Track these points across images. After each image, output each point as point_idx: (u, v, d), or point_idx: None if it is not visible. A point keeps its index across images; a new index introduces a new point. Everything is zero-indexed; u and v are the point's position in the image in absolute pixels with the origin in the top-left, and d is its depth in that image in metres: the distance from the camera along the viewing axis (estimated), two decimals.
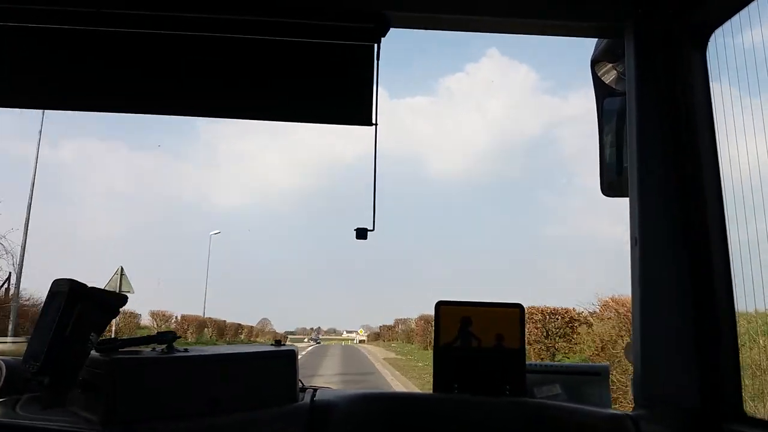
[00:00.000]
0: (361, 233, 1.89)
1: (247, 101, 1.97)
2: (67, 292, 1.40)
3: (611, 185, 2.07)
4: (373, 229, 1.88)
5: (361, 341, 66.20)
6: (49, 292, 1.46)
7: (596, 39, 2.10)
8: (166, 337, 1.58)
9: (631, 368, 1.72)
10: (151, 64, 1.92)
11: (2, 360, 1.67)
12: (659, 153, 1.71)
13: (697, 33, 1.77)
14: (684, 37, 1.78)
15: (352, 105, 1.94)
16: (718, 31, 1.74)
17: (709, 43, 1.77)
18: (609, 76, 2.15)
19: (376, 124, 1.91)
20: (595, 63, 2.16)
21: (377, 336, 60.80)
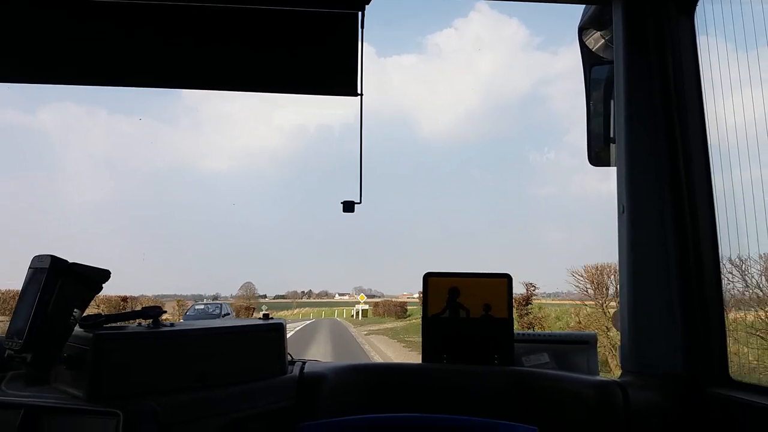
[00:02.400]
0: (348, 206, 1.87)
1: (230, 72, 1.93)
2: (47, 267, 1.37)
3: (598, 155, 2.06)
4: (360, 202, 1.86)
5: (363, 312, 46.55)
6: (29, 267, 1.42)
7: (584, 6, 2.07)
8: (152, 312, 1.56)
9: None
10: (133, 36, 1.87)
11: None
12: (647, 121, 1.70)
13: (685, 1, 1.75)
14: (671, 3, 1.76)
15: (337, 75, 1.90)
16: None
17: (697, 9, 1.75)
18: (596, 44, 2.12)
19: (361, 95, 1.88)
20: (582, 30, 2.13)
21: (381, 309, 44.02)
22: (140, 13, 1.85)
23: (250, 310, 41.99)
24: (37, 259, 1.42)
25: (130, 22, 1.85)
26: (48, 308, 1.35)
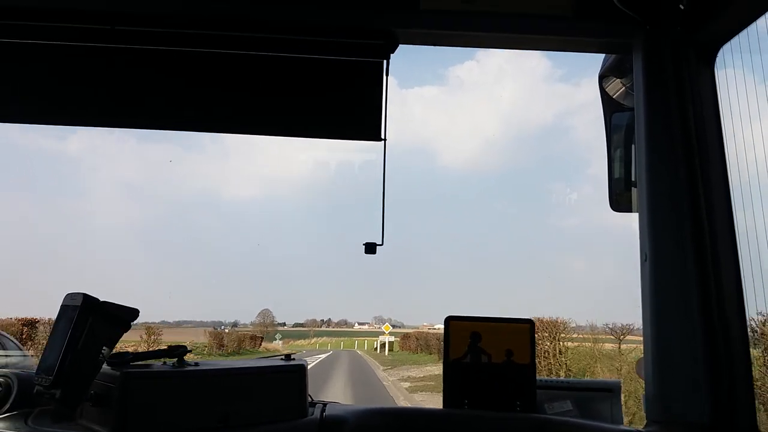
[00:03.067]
0: (370, 248, 1.90)
1: (257, 117, 1.99)
2: (79, 305, 1.41)
3: (620, 200, 2.07)
4: (382, 244, 1.89)
5: (389, 345, 39.38)
6: (61, 305, 1.46)
7: (604, 54, 2.12)
8: (177, 351, 1.58)
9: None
10: (165, 80, 1.95)
11: (14, 373, 1.68)
12: (668, 168, 1.71)
13: (705, 49, 1.78)
14: (692, 52, 1.79)
15: (362, 120, 1.95)
16: (726, 47, 1.75)
17: (717, 59, 1.78)
18: (617, 91, 2.16)
19: (384, 139, 1.92)
20: (602, 78, 2.17)
21: (412, 342, 35.98)
22: (172, 59, 1.93)
23: (256, 339, 38.94)
24: (69, 296, 1.46)
25: (161, 67, 1.93)
26: (78, 345, 1.38)
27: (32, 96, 1.94)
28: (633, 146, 2.01)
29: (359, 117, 1.96)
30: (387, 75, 1.95)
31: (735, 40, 1.72)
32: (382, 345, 42.54)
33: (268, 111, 1.98)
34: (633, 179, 1.96)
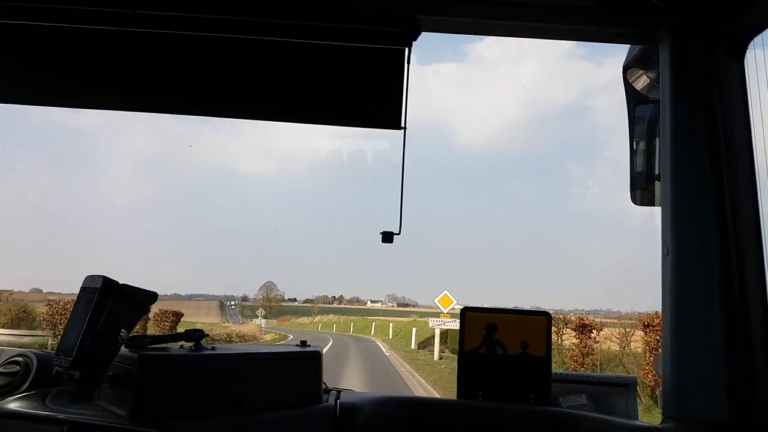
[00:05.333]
0: (387, 237, 1.89)
1: (276, 103, 1.98)
2: (99, 288, 1.42)
3: (641, 193, 2.04)
4: (399, 233, 1.88)
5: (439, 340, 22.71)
6: (81, 287, 1.48)
7: (629, 45, 2.08)
8: (194, 335, 1.59)
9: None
10: (186, 65, 1.94)
11: (33, 353, 1.70)
12: (693, 162, 1.68)
13: (735, 41, 1.74)
14: (721, 45, 1.75)
15: (382, 108, 1.94)
16: (757, 40, 1.71)
17: (747, 52, 1.74)
18: (641, 83, 2.12)
19: (405, 128, 1.90)
20: (627, 69, 2.14)
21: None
22: (192, 44, 1.92)
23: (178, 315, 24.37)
24: (89, 279, 1.47)
25: (181, 51, 1.93)
26: (97, 327, 1.39)
27: (50, 78, 1.94)
28: (657, 139, 1.98)
29: (379, 105, 1.94)
30: (409, 63, 1.93)
31: (766, 33, 1.68)
32: (444, 336, 23.41)
33: (287, 97, 1.97)
34: (656, 173, 1.92)
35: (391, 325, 40.79)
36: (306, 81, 1.95)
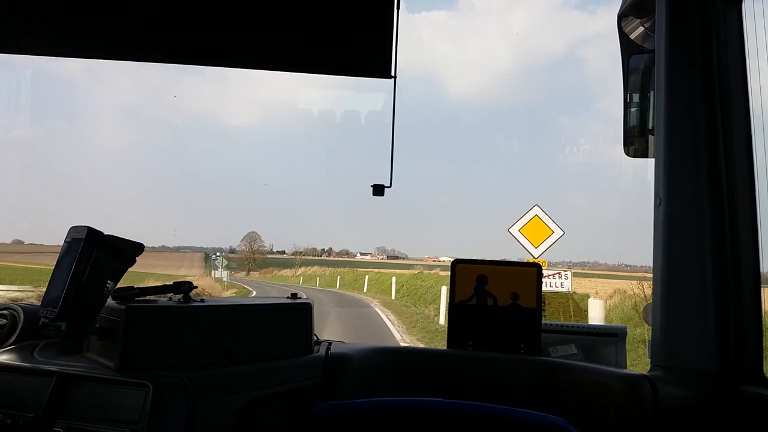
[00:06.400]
0: (378, 189, 1.86)
1: (259, 50, 1.91)
2: (83, 239, 1.39)
3: (635, 145, 2.02)
4: (390, 186, 1.85)
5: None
6: (66, 238, 1.44)
7: None
8: (182, 287, 1.57)
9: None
10: (164, 11, 1.87)
11: (20, 306, 1.67)
12: (688, 113, 1.66)
13: None
14: None
15: (371, 56, 1.88)
16: None
17: (745, 0, 1.70)
18: (636, 33, 2.08)
19: (395, 77, 1.86)
20: (621, 18, 2.08)
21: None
22: None
23: None
24: (74, 230, 1.43)
25: None
26: (83, 278, 1.37)
27: (31, 26, 1.87)
28: (651, 92, 1.95)
29: (369, 53, 1.89)
30: (399, 9, 1.86)
31: None
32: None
33: (275, 45, 1.91)
34: (650, 126, 1.90)
35: (393, 279, 27.34)
36: (293, 28, 1.89)
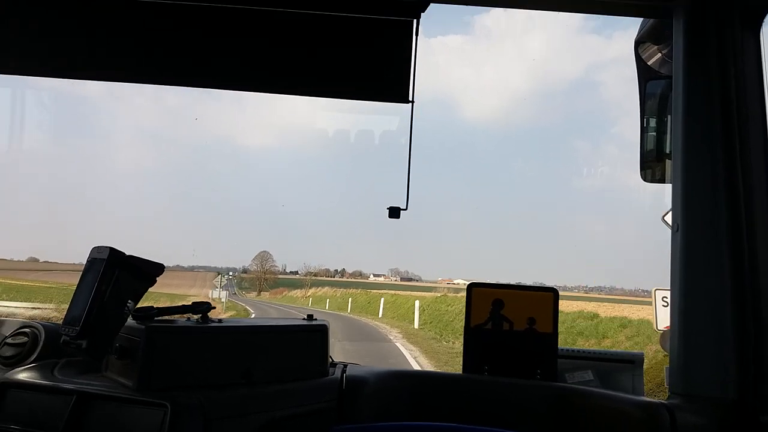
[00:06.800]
0: (394, 212, 1.88)
1: (279, 75, 1.95)
2: (105, 259, 1.41)
3: (651, 170, 2.02)
4: (406, 208, 1.87)
5: None
6: (88, 258, 1.47)
7: (641, 18, 2.04)
8: (201, 308, 1.59)
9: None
10: (186, 36, 1.92)
11: (41, 324, 1.70)
12: (706, 139, 1.66)
13: (750, 15, 1.71)
14: (736, 19, 1.71)
15: (389, 82, 1.91)
16: None
17: (763, 26, 1.71)
18: (653, 59, 2.09)
19: (412, 102, 1.88)
20: (639, 44, 2.10)
21: None
22: (193, 14, 1.89)
23: None
24: (96, 250, 1.46)
25: (182, 21, 1.90)
26: (104, 298, 1.39)
27: (52, 49, 1.92)
28: (668, 116, 1.95)
29: (387, 78, 1.92)
30: (417, 35, 1.90)
31: None
32: None
33: (294, 69, 1.95)
34: (667, 151, 1.90)
35: (417, 303, 23.51)
36: (312, 53, 1.93)
